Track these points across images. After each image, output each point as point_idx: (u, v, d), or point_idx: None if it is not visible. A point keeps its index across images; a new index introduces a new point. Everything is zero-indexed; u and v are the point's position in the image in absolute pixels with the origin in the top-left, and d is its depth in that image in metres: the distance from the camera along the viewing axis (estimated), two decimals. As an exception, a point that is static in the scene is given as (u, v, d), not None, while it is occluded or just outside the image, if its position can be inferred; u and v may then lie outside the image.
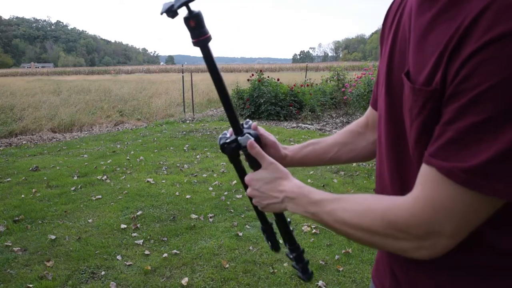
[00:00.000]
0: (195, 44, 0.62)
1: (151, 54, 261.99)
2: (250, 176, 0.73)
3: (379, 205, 0.56)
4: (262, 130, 0.82)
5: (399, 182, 0.63)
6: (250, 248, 2.86)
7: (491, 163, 0.43)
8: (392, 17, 0.66)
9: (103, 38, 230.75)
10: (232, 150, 0.75)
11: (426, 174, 0.50)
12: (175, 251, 2.81)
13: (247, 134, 0.73)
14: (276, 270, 2.56)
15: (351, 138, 0.88)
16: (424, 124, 0.51)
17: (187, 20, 0.59)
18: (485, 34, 0.42)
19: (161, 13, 0.59)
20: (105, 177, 4.51)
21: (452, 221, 0.48)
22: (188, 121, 8.94)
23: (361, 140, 0.88)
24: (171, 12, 0.57)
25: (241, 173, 0.80)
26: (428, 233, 0.50)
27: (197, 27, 0.60)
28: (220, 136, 0.77)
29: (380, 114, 0.68)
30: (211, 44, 0.63)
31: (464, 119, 0.44)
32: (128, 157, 5.44)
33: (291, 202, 0.66)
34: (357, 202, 0.59)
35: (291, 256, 0.80)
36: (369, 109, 0.86)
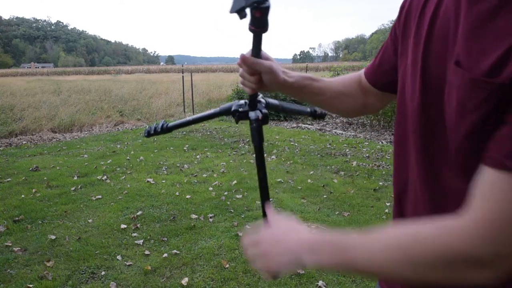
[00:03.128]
0: (252, 31, 0.66)
1: (151, 54, 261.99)
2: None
3: (428, 230, 0.46)
4: (264, 55, 0.76)
5: (430, 176, 0.58)
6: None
7: None
8: (421, 6, 0.62)
9: (103, 38, 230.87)
10: (239, 118, 0.84)
11: (491, 182, 0.42)
12: (175, 251, 2.81)
13: (258, 111, 0.81)
14: (276, 270, 2.55)
15: (346, 90, 0.86)
16: (482, 119, 0.45)
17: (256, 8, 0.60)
18: None
19: (231, 12, 0.61)
20: (105, 177, 4.51)
21: None
22: (188, 121, 8.94)
23: (351, 98, 0.86)
24: (242, 12, 0.59)
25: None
26: (500, 255, 0.41)
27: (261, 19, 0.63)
28: (237, 102, 0.84)
29: (405, 103, 0.63)
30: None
31: None
32: (128, 157, 5.44)
33: (310, 254, 0.53)
34: (398, 233, 0.49)
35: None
36: (362, 76, 0.84)
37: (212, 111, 0.90)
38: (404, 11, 0.68)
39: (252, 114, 0.81)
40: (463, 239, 0.42)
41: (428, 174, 0.58)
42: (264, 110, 0.82)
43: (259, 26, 0.63)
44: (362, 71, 0.85)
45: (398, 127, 0.66)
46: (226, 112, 0.86)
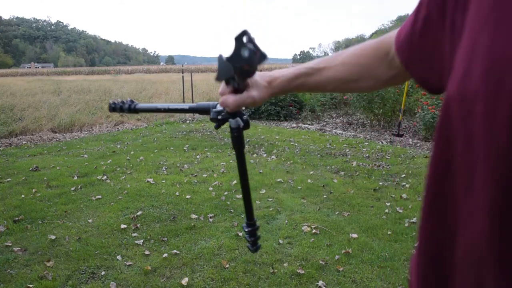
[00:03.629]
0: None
1: (151, 54, 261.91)
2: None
3: None
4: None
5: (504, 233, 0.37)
6: (250, 248, 2.85)
7: None
8: None
9: (103, 38, 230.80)
10: (218, 125, 0.78)
11: None
12: (175, 251, 2.81)
13: (238, 119, 0.75)
14: (276, 270, 2.56)
15: (361, 75, 0.66)
16: None
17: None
18: None
19: (219, 80, 0.64)
20: (105, 177, 4.51)
21: None
22: (188, 121, 8.94)
23: (370, 78, 0.66)
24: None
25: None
26: None
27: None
28: (215, 108, 0.78)
29: (473, 102, 0.37)
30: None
31: None
32: (128, 157, 5.44)
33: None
34: None
35: (246, 230, 0.88)
36: (392, 47, 0.59)
37: (187, 105, 0.84)
38: None
39: (232, 122, 0.75)
40: None
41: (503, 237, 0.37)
42: (245, 116, 0.77)
43: (249, 73, 0.62)
44: (390, 38, 0.60)
45: (447, 151, 0.43)
46: (202, 111, 0.81)
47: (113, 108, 0.88)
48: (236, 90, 0.68)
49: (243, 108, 0.74)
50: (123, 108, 0.87)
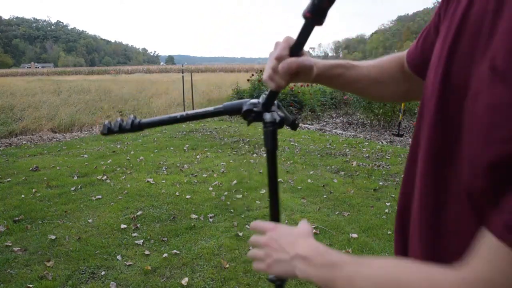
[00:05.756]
0: (307, 18, 0.53)
1: (151, 54, 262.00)
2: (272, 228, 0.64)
3: (412, 279, 0.42)
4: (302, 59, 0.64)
5: (433, 204, 0.50)
6: (250, 248, 2.85)
7: None
8: None
9: (103, 38, 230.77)
10: (253, 120, 0.73)
11: (490, 247, 0.37)
12: (175, 251, 2.81)
13: (274, 113, 0.71)
14: (276, 270, 2.55)
15: (385, 78, 0.74)
16: None
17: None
18: None
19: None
20: (105, 177, 4.51)
21: None
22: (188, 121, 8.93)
23: (391, 85, 0.74)
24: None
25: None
26: None
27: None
28: (249, 101, 0.73)
29: (424, 103, 0.54)
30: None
31: None
32: (128, 157, 5.44)
33: (302, 261, 0.53)
34: (383, 270, 0.46)
35: (277, 283, 0.80)
36: (403, 57, 0.71)
37: (211, 109, 0.75)
38: None
39: (267, 116, 0.70)
40: None
41: (431, 201, 0.50)
42: (280, 113, 0.72)
43: (318, 15, 0.51)
44: (404, 53, 0.71)
45: (417, 129, 0.56)
46: (232, 111, 0.74)
47: (110, 129, 0.76)
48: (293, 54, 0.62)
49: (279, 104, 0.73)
50: (124, 127, 0.76)
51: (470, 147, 0.41)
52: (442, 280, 0.40)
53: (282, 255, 0.57)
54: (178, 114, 0.77)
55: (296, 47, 0.62)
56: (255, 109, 0.72)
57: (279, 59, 0.61)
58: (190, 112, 0.77)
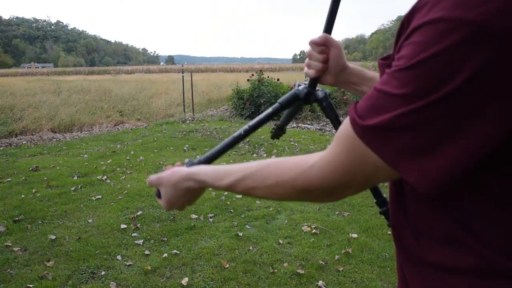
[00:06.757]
0: None
1: (151, 54, 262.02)
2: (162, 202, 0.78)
3: (288, 175, 0.56)
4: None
5: None
6: (250, 248, 2.86)
7: (383, 129, 0.44)
8: None
9: (103, 38, 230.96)
10: (313, 100, 0.83)
11: (343, 129, 0.50)
12: (175, 251, 2.81)
13: (319, 91, 0.82)
14: (276, 270, 2.56)
15: None
16: None
17: None
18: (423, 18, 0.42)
19: None
20: (105, 177, 4.51)
21: (358, 178, 0.50)
22: (188, 121, 8.94)
23: None
24: None
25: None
26: (339, 188, 0.52)
27: None
28: (299, 87, 0.82)
29: None
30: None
31: (385, 84, 0.45)
32: (128, 157, 5.44)
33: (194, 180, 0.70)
34: (265, 176, 0.59)
35: (382, 210, 0.86)
36: None
37: (269, 110, 0.82)
38: None
39: (319, 93, 0.81)
40: (314, 182, 0.53)
41: None
42: (325, 90, 0.83)
43: None
44: None
45: None
46: (289, 103, 0.82)
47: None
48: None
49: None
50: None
51: None
52: (306, 157, 0.54)
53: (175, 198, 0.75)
54: (240, 130, 0.82)
55: (327, 26, 0.76)
56: (311, 90, 0.81)
57: (312, 43, 0.78)
58: (251, 123, 0.82)
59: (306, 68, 0.82)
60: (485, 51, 0.38)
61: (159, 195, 0.77)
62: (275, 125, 1.05)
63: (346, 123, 0.49)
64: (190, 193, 0.73)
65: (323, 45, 0.79)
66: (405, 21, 0.46)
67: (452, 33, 0.39)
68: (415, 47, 0.42)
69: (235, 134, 0.80)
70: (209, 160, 0.79)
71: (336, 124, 0.83)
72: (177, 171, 0.74)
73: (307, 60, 0.81)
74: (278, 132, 1.04)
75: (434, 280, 0.52)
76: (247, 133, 0.80)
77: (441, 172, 0.42)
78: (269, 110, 0.82)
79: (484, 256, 0.47)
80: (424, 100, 0.41)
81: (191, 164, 0.77)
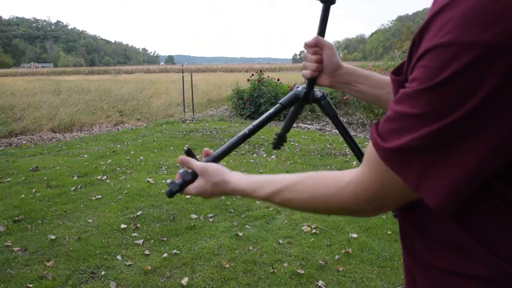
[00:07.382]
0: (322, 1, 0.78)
1: (151, 54, 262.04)
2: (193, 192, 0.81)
3: (326, 192, 0.59)
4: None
5: None
6: (250, 248, 2.86)
7: (404, 151, 0.45)
8: None
9: (103, 38, 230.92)
10: (312, 101, 0.89)
11: (369, 152, 0.51)
12: (175, 251, 2.81)
13: (316, 90, 0.87)
14: (276, 270, 2.56)
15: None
16: None
17: None
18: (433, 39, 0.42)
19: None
20: (105, 177, 4.51)
21: (388, 198, 0.52)
22: (188, 121, 8.94)
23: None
24: None
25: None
26: (372, 206, 0.54)
27: None
28: (299, 88, 0.88)
29: None
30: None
31: (401, 105, 0.46)
32: (128, 157, 5.44)
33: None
34: (303, 189, 0.62)
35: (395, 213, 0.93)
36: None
37: (271, 110, 0.86)
38: None
39: (318, 93, 0.86)
40: (349, 199, 0.56)
41: None
42: (322, 90, 0.88)
43: None
44: None
45: None
46: (290, 103, 0.87)
47: (172, 192, 0.84)
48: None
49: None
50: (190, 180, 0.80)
51: None
52: (343, 184, 0.56)
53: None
54: (245, 129, 0.86)
55: (320, 30, 0.81)
56: (310, 91, 0.86)
57: (306, 45, 0.83)
58: (255, 122, 0.86)
59: (303, 70, 0.86)
60: (500, 68, 0.38)
61: (170, 194, 0.84)
62: (276, 134, 1.08)
63: (371, 144, 0.51)
64: (221, 194, 0.77)
65: (316, 46, 0.83)
66: (417, 38, 0.46)
67: (462, 56, 0.39)
68: (428, 70, 0.42)
69: (240, 133, 0.84)
70: (217, 159, 0.83)
71: (336, 120, 0.86)
72: (221, 172, 0.76)
73: (303, 62, 0.86)
74: (279, 142, 1.08)
75: (447, 285, 0.52)
76: (252, 132, 0.84)
77: (459, 192, 0.43)
78: (271, 110, 0.86)
79: (497, 265, 0.47)
80: (442, 121, 0.41)
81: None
